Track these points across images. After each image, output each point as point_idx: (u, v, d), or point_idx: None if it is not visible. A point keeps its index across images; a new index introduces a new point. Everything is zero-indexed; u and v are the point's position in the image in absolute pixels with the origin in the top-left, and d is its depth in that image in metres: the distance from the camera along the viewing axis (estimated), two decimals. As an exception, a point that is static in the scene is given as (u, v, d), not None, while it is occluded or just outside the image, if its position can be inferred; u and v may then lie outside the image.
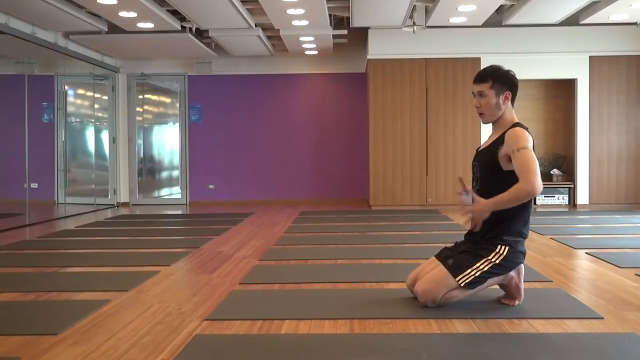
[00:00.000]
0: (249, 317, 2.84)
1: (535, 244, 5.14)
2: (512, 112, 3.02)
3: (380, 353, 2.34)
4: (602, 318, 2.80)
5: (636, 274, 3.76)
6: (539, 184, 2.76)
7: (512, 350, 2.38)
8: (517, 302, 2.99)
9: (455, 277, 2.89)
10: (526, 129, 2.95)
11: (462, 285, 2.89)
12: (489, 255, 2.90)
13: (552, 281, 3.62)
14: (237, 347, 2.46)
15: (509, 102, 2.99)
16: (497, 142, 2.95)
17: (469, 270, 2.89)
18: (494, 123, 3.04)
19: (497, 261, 2.90)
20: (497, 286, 3.05)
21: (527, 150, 2.81)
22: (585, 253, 4.60)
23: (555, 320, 2.77)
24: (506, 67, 3.06)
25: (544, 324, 2.70)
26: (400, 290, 3.28)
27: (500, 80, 2.98)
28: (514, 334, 2.58)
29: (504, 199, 2.82)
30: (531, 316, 2.82)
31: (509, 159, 2.87)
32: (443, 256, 3.06)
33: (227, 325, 2.75)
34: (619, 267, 4.01)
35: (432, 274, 2.97)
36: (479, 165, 3.05)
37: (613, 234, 5.63)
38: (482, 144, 3.15)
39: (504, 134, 2.93)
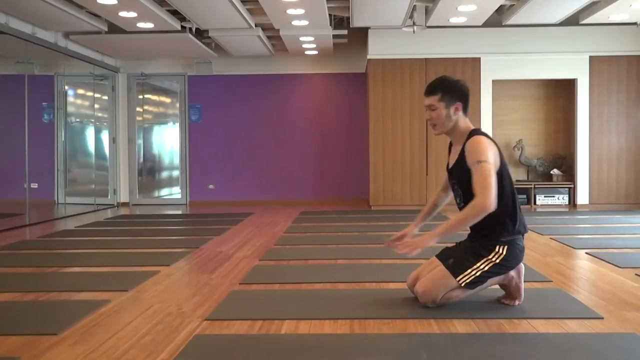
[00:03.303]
0: (249, 317, 2.84)
1: (535, 244, 5.14)
2: (467, 121, 3.00)
3: (380, 353, 2.34)
4: (602, 318, 2.80)
5: (636, 274, 3.76)
6: (493, 201, 2.75)
7: (512, 350, 2.38)
8: (517, 302, 2.99)
9: (455, 277, 2.89)
10: (485, 135, 2.93)
11: (462, 285, 2.89)
12: (489, 255, 2.90)
13: (552, 281, 3.62)
14: (237, 347, 2.46)
15: (461, 112, 2.97)
16: (462, 156, 2.93)
17: (469, 270, 2.89)
18: (450, 135, 3.03)
19: (498, 261, 2.90)
20: (497, 286, 3.05)
21: (486, 164, 2.78)
22: (585, 253, 4.60)
23: (555, 320, 2.77)
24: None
25: (544, 324, 2.70)
26: (400, 290, 3.28)
27: (450, 91, 2.96)
28: (514, 334, 2.58)
29: (455, 221, 2.82)
30: (531, 316, 2.82)
31: None
32: (444, 256, 3.06)
33: (227, 325, 2.75)
34: (619, 267, 4.01)
35: (432, 274, 2.97)
36: (457, 183, 3.01)
37: (613, 234, 5.63)
38: (449, 160, 3.11)
39: (464, 146, 2.92)
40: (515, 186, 3.05)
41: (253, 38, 7.95)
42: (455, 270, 2.90)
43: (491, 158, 2.82)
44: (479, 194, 2.77)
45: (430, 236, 2.85)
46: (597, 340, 2.49)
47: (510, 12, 7.33)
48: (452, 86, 2.98)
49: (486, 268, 2.89)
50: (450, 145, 3.10)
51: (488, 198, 2.74)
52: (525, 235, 3.03)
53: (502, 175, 2.90)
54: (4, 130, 7.53)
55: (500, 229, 2.91)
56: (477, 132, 2.94)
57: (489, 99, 8.46)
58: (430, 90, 2.99)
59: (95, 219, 7.56)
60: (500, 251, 2.90)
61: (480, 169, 2.78)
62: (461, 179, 2.93)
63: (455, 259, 2.95)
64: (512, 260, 2.92)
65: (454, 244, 3.14)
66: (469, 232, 3.06)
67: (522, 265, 3.02)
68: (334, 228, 6.25)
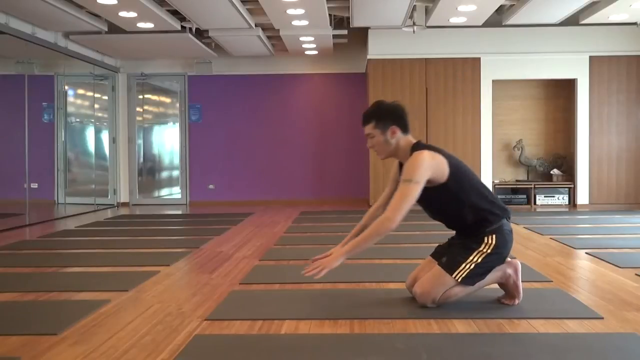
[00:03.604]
0: (249, 317, 2.84)
1: (535, 244, 5.14)
2: (408, 138, 2.99)
3: (380, 353, 2.34)
4: (602, 318, 2.80)
5: (636, 274, 3.76)
6: (397, 221, 2.79)
7: (512, 350, 2.38)
8: (516, 301, 2.99)
9: (451, 275, 2.89)
10: (426, 148, 2.92)
11: (459, 280, 2.89)
12: (480, 247, 2.91)
13: (552, 281, 3.62)
14: (237, 347, 2.46)
15: (399, 132, 2.97)
16: None
17: (463, 265, 2.89)
18: (395, 156, 3.03)
19: (489, 251, 2.90)
20: (496, 286, 3.05)
21: (410, 185, 2.79)
22: (585, 253, 4.60)
23: (555, 320, 2.76)
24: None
25: (544, 324, 2.70)
26: (400, 290, 3.28)
27: (383, 117, 2.97)
28: (514, 334, 2.58)
29: (362, 239, 2.84)
30: (531, 316, 2.82)
31: (433, 178, 2.85)
32: (437, 254, 3.08)
33: (227, 325, 2.75)
34: (619, 267, 4.00)
35: (428, 275, 2.97)
36: (424, 203, 3.01)
37: (613, 234, 5.62)
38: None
39: None
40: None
41: (253, 38, 7.95)
42: (451, 268, 2.91)
43: (422, 176, 2.81)
44: (388, 209, 2.82)
45: (337, 256, 2.87)
46: (597, 340, 2.49)
47: (510, 12, 7.33)
48: (384, 112, 2.99)
49: (480, 260, 2.89)
50: (401, 165, 3.07)
51: (394, 217, 2.78)
52: (510, 218, 3.03)
53: (457, 178, 2.90)
54: (4, 130, 7.53)
55: (482, 222, 2.93)
56: (417, 147, 2.93)
57: (489, 99, 8.46)
58: (365, 119, 3.02)
59: (95, 219, 7.56)
60: (490, 241, 2.91)
61: (404, 188, 2.81)
62: (424, 197, 2.90)
63: (448, 256, 2.96)
64: (503, 247, 2.92)
65: (446, 241, 3.15)
66: (455, 232, 3.08)
67: (518, 263, 3.02)
68: (334, 228, 6.25)
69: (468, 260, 2.90)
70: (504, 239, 2.93)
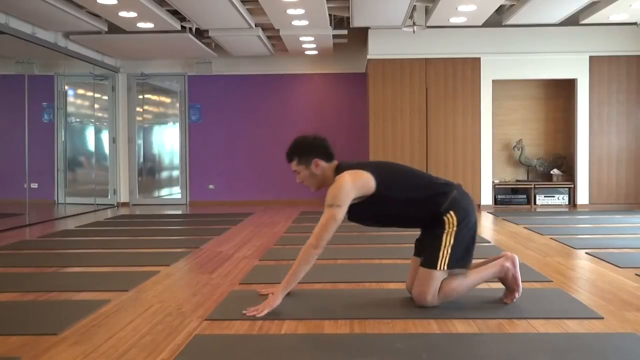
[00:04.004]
0: (249, 317, 2.84)
1: (535, 244, 5.14)
2: (332, 165, 3.05)
3: (380, 353, 2.34)
4: (602, 318, 2.80)
5: (636, 274, 3.76)
6: (322, 246, 2.88)
7: (512, 350, 2.38)
8: (516, 295, 2.99)
9: (436, 268, 2.90)
10: (348, 168, 2.97)
11: (445, 268, 2.89)
12: (445, 229, 2.91)
13: (552, 281, 3.62)
14: (237, 347, 2.46)
15: (323, 163, 3.03)
16: None
17: (440, 254, 2.90)
18: (325, 185, 3.06)
19: (455, 227, 2.90)
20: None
21: (332, 209, 2.86)
22: (585, 253, 4.60)
23: (555, 320, 2.76)
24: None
25: (544, 324, 2.70)
26: (400, 290, 3.28)
27: (304, 153, 3.04)
28: (514, 334, 2.58)
29: (293, 270, 2.92)
30: (531, 316, 2.82)
31: (362, 194, 2.90)
32: (418, 252, 3.10)
33: (227, 325, 2.75)
34: (619, 267, 4.01)
35: (418, 278, 2.98)
36: (368, 221, 3.09)
37: (613, 234, 5.63)
38: None
39: None
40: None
41: (253, 38, 7.95)
42: (431, 263, 2.91)
43: (343, 200, 2.87)
44: (312, 237, 2.90)
45: (276, 296, 2.91)
46: (597, 340, 2.49)
47: (510, 12, 7.33)
48: (304, 147, 3.06)
49: (452, 241, 2.90)
50: None
51: (317, 244, 2.87)
52: (456, 186, 3.04)
53: (386, 184, 2.93)
54: (4, 130, 7.53)
55: (433, 207, 2.95)
56: (339, 170, 3.00)
57: (489, 99, 8.46)
58: (288, 157, 3.10)
59: (95, 219, 7.56)
60: (450, 218, 2.92)
61: (326, 214, 2.87)
62: (372, 215, 2.99)
63: (424, 253, 2.98)
64: (465, 215, 2.93)
65: (420, 236, 3.15)
66: (420, 230, 3.12)
67: (515, 256, 3.02)
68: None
69: (442, 247, 2.90)
70: (462, 208, 2.94)
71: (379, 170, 3.00)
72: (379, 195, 2.92)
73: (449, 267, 2.90)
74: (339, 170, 3.00)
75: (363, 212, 2.97)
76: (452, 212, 2.92)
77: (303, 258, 2.91)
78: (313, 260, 2.92)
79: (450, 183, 3.05)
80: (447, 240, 2.91)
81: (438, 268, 2.89)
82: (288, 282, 2.94)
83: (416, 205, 2.96)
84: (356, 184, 2.90)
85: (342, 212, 2.88)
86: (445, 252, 2.89)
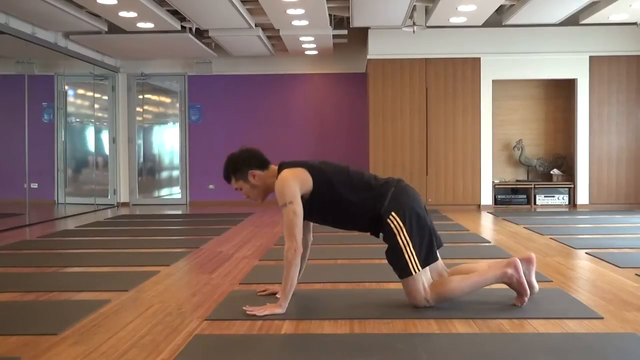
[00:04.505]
0: (249, 317, 2.84)
1: (535, 244, 5.14)
2: (269, 170, 3.08)
3: (380, 353, 2.34)
4: (602, 318, 2.80)
5: (636, 274, 3.76)
6: (297, 245, 2.87)
7: (512, 350, 2.38)
8: (525, 298, 2.95)
9: (411, 275, 2.89)
10: (286, 166, 3.00)
11: (419, 268, 2.87)
12: (395, 232, 2.90)
13: (552, 281, 3.62)
14: (237, 347, 2.46)
15: (259, 171, 3.07)
16: None
17: (406, 256, 2.88)
18: (270, 191, 3.12)
19: (404, 225, 2.89)
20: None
21: (286, 207, 2.89)
22: (585, 253, 4.60)
23: (555, 320, 2.77)
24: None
25: (544, 324, 2.70)
26: (400, 290, 3.27)
27: (237, 169, 3.08)
28: (514, 334, 2.58)
29: (284, 278, 2.90)
30: (531, 316, 2.82)
31: (304, 191, 2.95)
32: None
33: (227, 325, 2.75)
34: (619, 267, 4.01)
35: (404, 290, 2.98)
36: (314, 217, 3.10)
37: (613, 234, 5.63)
38: None
39: None
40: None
41: (253, 38, 7.95)
42: (405, 270, 2.90)
43: (292, 195, 2.90)
44: (286, 241, 2.90)
45: (281, 305, 2.89)
46: (597, 340, 2.49)
47: (510, 12, 7.33)
48: (236, 164, 3.09)
49: (408, 239, 2.88)
50: None
51: (291, 245, 2.86)
52: (393, 183, 3.03)
53: (322, 181, 2.96)
54: (4, 130, 7.53)
55: (374, 210, 2.95)
56: (279, 170, 3.03)
57: (489, 99, 8.46)
58: (226, 179, 3.14)
59: (95, 219, 7.56)
60: (394, 220, 2.91)
61: (284, 214, 2.91)
62: (316, 213, 3.02)
63: (395, 266, 2.96)
64: (404, 211, 2.91)
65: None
66: (370, 234, 3.12)
67: (516, 260, 2.96)
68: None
69: (404, 251, 2.88)
70: (402, 206, 2.93)
71: (316, 168, 3.01)
72: (317, 193, 2.95)
73: (422, 264, 2.89)
74: (279, 170, 3.02)
75: (309, 209, 2.97)
76: (393, 214, 2.91)
77: (289, 263, 2.88)
78: (299, 260, 2.90)
79: (389, 182, 3.03)
80: (404, 242, 2.89)
81: (413, 272, 2.88)
82: (286, 290, 2.91)
83: (355, 205, 2.96)
84: (296, 177, 2.93)
85: (298, 205, 2.89)
86: (409, 253, 2.88)
